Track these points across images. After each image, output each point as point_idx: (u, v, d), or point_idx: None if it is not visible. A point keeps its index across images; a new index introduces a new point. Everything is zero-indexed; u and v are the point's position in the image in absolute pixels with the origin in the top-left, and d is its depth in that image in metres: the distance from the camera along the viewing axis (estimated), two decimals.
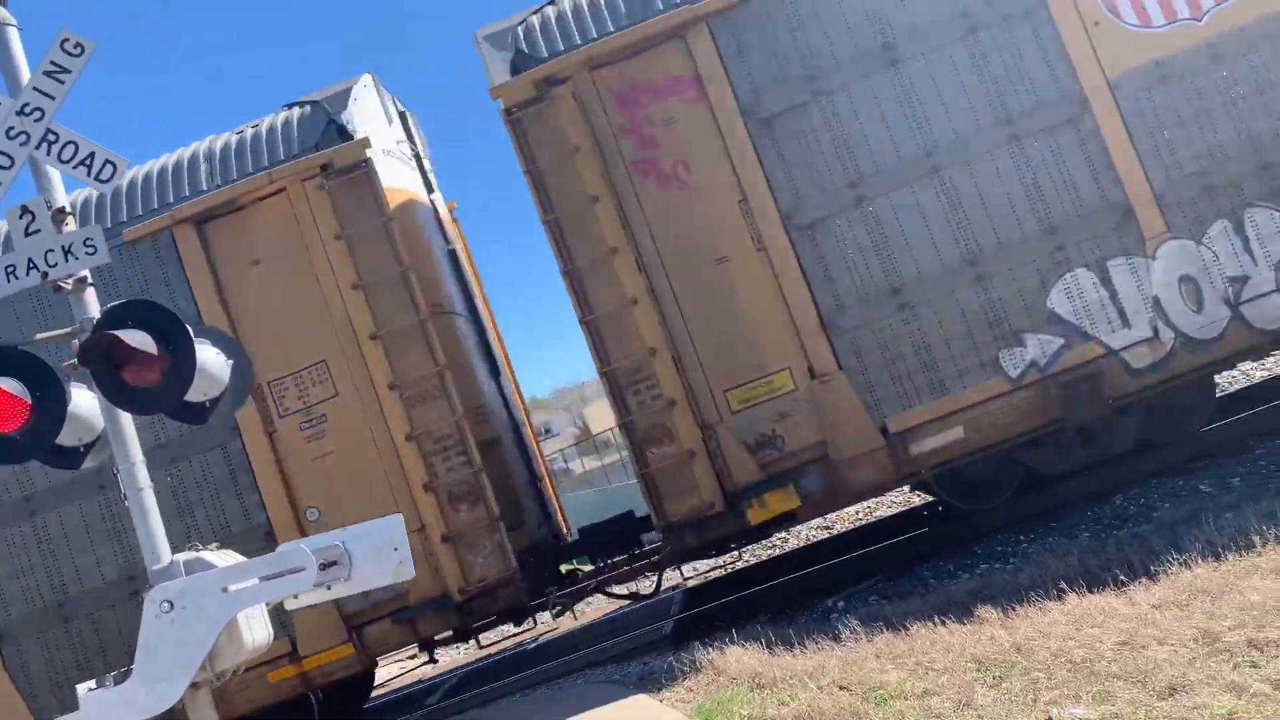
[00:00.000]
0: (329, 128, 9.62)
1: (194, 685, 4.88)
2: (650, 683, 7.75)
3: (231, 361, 5.47)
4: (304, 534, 8.61)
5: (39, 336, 5.45)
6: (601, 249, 8.84)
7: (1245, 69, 8.73)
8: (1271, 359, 10.92)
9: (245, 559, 5.07)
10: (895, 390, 8.75)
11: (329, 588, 4.95)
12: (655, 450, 8.73)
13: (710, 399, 8.80)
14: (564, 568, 11.13)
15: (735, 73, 8.90)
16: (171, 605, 4.82)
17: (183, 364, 4.94)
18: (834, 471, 8.69)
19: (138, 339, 4.84)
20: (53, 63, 5.22)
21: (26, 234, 5.11)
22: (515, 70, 9.22)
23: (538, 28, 9.45)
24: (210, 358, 5.24)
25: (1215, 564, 6.69)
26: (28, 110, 5.18)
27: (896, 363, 8.75)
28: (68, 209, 5.27)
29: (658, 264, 8.89)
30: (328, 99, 9.90)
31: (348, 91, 9.94)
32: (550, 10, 9.56)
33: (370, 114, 10.30)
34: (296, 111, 9.92)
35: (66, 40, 5.23)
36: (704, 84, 8.89)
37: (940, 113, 8.84)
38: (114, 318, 4.97)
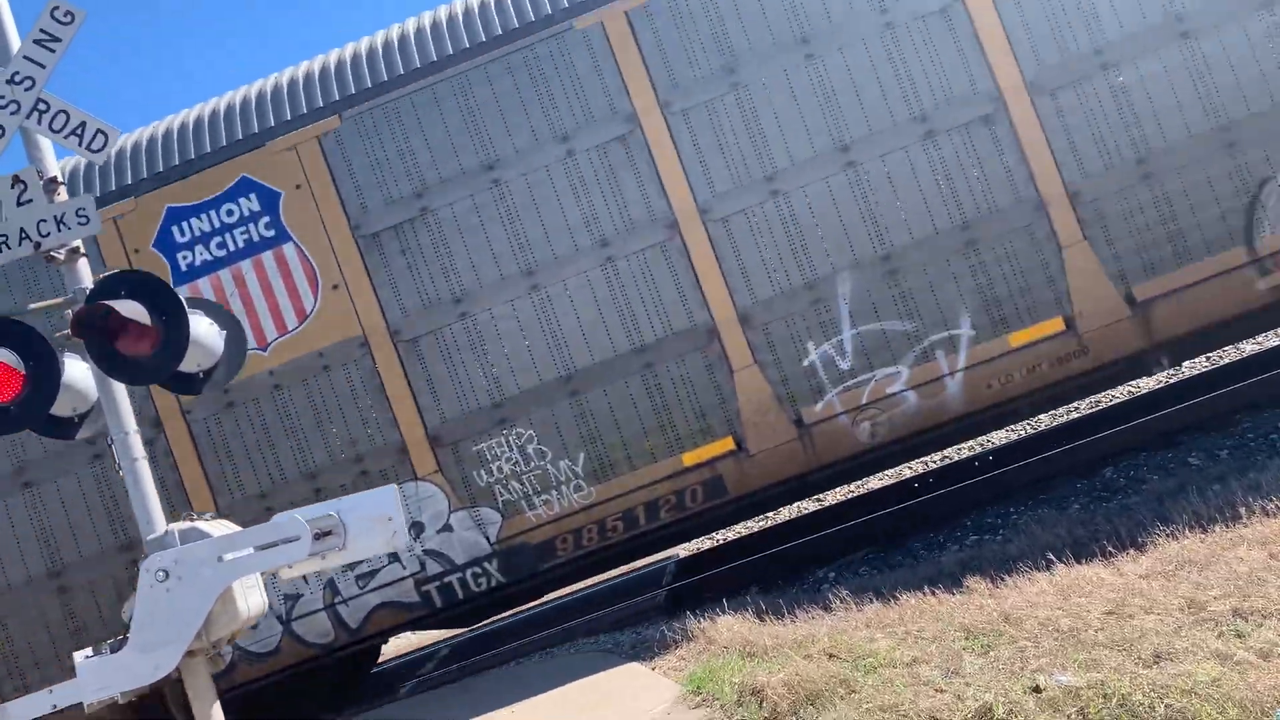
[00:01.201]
0: None
1: (190, 653, 4.93)
2: (643, 651, 7.82)
3: (225, 332, 5.48)
4: None
5: (33, 306, 5.45)
6: None
7: (303, 399, 9.08)
8: (1266, 334, 10.95)
9: (240, 528, 5.11)
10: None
11: (323, 557, 4.99)
12: None
13: None
14: None
15: None
16: (167, 574, 4.86)
17: (176, 334, 4.95)
18: None
19: (131, 309, 4.84)
20: (43, 31, 5.19)
21: (19, 204, 5.09)
22: None
23: None
24: (204, 328, 5.25)
25: (1202, 535, 6.76)
26: (18, 79, 5.16)
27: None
28: (59, 178, 5.25)
29: None
30: None
31: None
32: None
33: None
34: None
35: (56, 8, 5.20)
36: None
37: None
38: (107, 287, 4.98)
